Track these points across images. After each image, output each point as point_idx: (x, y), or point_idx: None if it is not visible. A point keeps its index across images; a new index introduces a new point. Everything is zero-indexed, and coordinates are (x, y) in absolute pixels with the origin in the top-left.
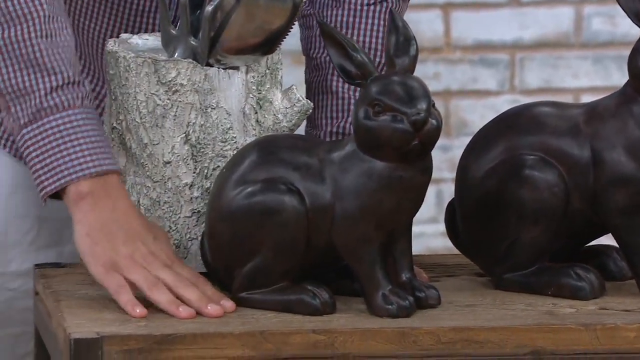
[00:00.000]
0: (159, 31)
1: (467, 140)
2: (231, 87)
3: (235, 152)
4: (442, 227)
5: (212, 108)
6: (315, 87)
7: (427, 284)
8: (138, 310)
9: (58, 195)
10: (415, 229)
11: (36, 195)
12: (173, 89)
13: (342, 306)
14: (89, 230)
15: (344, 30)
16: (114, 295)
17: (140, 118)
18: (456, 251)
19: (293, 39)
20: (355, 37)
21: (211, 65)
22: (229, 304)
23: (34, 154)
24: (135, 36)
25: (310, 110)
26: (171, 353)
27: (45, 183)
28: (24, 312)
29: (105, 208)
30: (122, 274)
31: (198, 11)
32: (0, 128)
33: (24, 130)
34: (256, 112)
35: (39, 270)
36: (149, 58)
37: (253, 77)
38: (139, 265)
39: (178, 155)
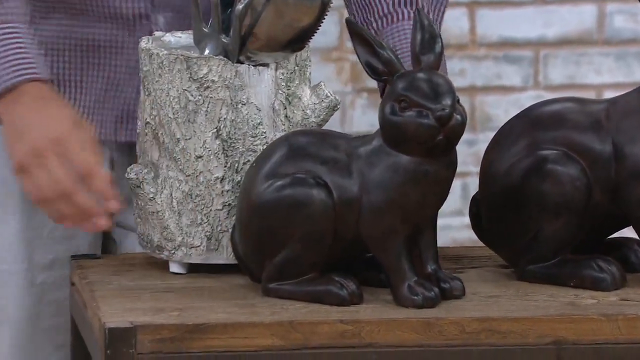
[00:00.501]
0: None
1: (492, 134)
2: (261, 83)
3: (265, 146)
4: (467, 219)
5: (242, 104)
6: None
7: (452, 276)
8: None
9: None
10: (441, 221)
11: None
12: (205, 85)
13: (368, 297)
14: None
15: None
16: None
17: (173, 113)
18: (481, 243)
19: (322, 37)
20: None
21: (242, 62)
22: (114, 202)
23: None
24: (168, 34)
25: (338, 107)
26: (202, 342)
27: None
28: (53, 304)
29: (10, 115)
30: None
31: (229, 10)
32: None
33: None
34: (285, 108)
35: (75, 261)
36: (182, 55)
37: (282, 73)
38: (36, 165)
39: (209, 150)
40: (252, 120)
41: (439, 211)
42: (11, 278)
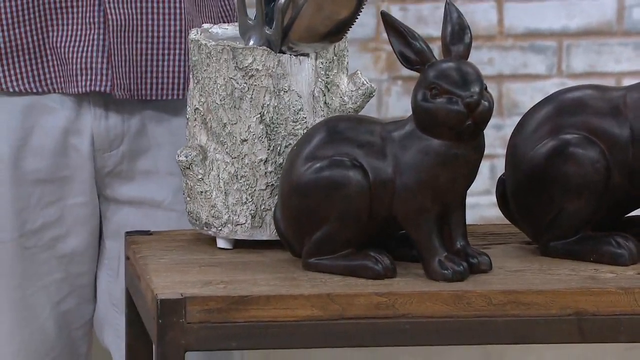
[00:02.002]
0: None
1: (518, 119)
2: (302, 72)
3: (305, 131)
4: (495, 198)
5: (284, 91)
6: None
7: (480, 251)
8: None
9: None
10: (470, 200)
11: (34, 163)
12: (249, 73)
13: (401, 271)
14: None
15: None
16: None
17: (220, 100)
18: (507, 221)
19: (359, 28)
20: None
21: (284, 52)
22: None
23: None
24: (215, 26)
25: (374, 93)
26: (247, 312)
27: None
28: (46, 263)
29: None
30: None
31: (272, 3)
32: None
33: None
34: (324, 95)
35: (129, 236)
36: (228, 46)
37: (322, 62)
38: None
39: (254, 134)
40: (294, 107)
41: (469, 190)
42: (3, 246)
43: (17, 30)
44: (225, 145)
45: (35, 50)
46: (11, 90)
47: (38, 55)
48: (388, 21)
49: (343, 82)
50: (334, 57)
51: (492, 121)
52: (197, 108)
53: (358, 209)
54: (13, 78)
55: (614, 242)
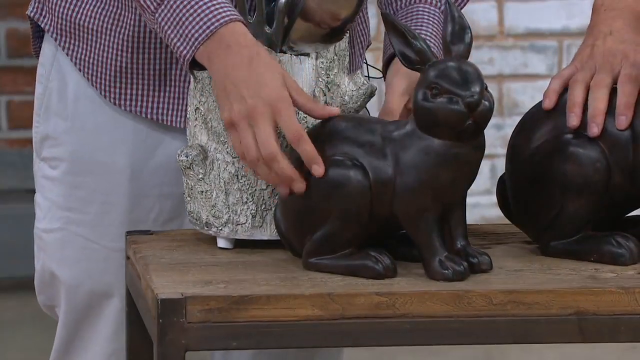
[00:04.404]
0: None
1: (518, 119)
2: (302, 71)
3: (306, 130)
4: (495, 198)
5: None
6: None
7: (480, 251)
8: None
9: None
10: (471, 200)
11: (156, 177)
12: None
13: (402, 271)
14: (214, 88)
15: None
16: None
17: None
18: (508, 221)
19: None
20: None
21: (284, 52)
22: (320, 168)
23: (168, 32)
24: None
25: (374, 93)
26: (247, 312)
27: (182, 54)
28: None
29: (220, 66)
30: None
31: (272, 3)
32: (119, 88)
33: (156, 15)
34: (325, 95)
35: (130, 236)
36: None
37: (322, 62)
38: (247, 125)
39: None
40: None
41: (469, 190)
42: (115, 255)
43: (141, 56)
44: (226, 145)
45: (156, 79)
46: (129, 111)
47: (157, 84)
48: (389, 21)
49: (344, 82)
50: (335, 57)
51: (493, 121)
52: (197, 108)
53: (358, 208)
54: (134, 99)
55: (614, 241)
